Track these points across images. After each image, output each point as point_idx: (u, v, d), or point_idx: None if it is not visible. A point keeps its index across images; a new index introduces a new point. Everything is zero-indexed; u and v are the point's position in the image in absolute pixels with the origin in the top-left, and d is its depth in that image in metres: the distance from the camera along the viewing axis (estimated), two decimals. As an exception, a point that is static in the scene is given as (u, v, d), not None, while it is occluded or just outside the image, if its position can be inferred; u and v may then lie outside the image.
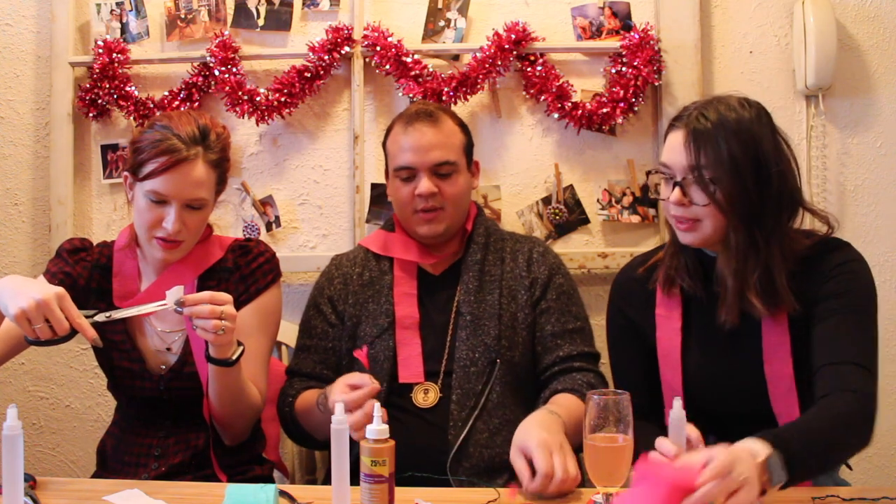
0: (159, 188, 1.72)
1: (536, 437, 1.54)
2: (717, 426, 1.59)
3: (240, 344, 1.70)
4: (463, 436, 1.79)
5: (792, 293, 1.61)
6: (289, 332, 2.12)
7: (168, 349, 1.83)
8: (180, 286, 1.63)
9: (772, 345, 1.64)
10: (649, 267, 1.80)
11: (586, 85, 2.45)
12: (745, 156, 1.58)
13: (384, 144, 2.05)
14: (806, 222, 1.74)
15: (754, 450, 1.30)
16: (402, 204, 1.97)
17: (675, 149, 1.63)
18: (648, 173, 1.73)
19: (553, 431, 1.59)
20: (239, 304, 1.84)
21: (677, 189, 1.62)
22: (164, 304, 1.62)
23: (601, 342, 2.02)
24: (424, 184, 1.92)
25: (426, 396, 1.86)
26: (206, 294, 1.61)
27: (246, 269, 1.88)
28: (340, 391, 1.63)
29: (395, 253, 1.99)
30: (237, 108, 2.42)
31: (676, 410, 1.44)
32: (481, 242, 1.99)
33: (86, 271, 1.86)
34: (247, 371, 1.77)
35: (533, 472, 1.50)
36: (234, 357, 1.68)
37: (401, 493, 1.44)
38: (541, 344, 1.93)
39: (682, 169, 1.62)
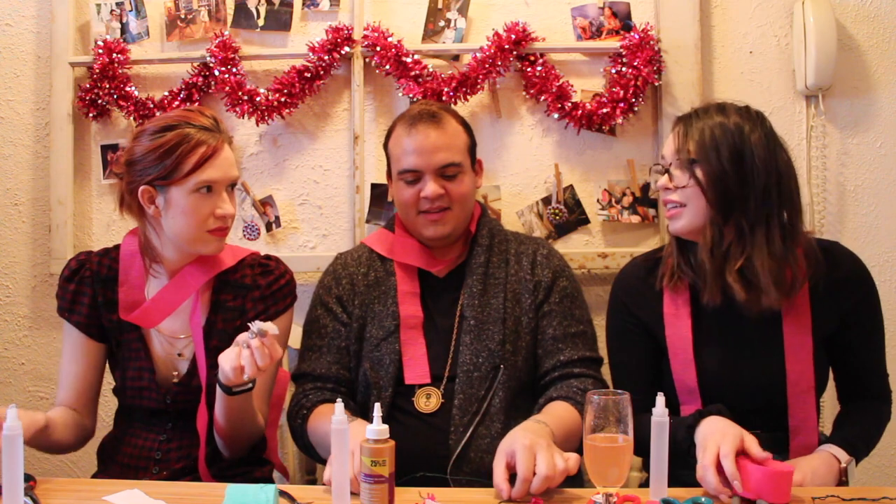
0: (209, 177, 1.74)
1: (521, 440, 1.51)
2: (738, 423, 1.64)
3: (252, 384, 1.70)
4: (464, 441, 1.78)
5: (788, 289, 1.69)
6: (292, 335, 2.11)
7: (179, 355, 1.83)
8: (273, 326, 1.61)
9: (794, 345, 1.72)
10: (652, 265, 1.84)
11: (586, 85, 2.46)
12: (726, 142, 1.68)
13: (386, 146, 2.03)
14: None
15: (837, 456, 1.63)
16: (407, 206, 1.95)
17: (669, 142, 1.77)
18: (651, 170, 1.82)
19: (540, 435, 1.55)
20: None
21: (665, 175, 1.75)
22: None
23: (603, 340, 2.02)
24: (431, 187, 1.90)
25: (427, 402, 1.85)
26: (279, 354, 1.64)
27: (267, 290, 1.88)
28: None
29: (400, 257, 1.98)
30: (237, 108, 2.42)
31: (659, 408, 1.46)
32: (485, 244, 1.98)
33: (90, 289, 1.86)
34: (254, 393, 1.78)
35: (513, 479, 1.46)
36: (235, 388, 1.68)
37: (401, 493, 1.44)
38: (542, 347, 1.91)
39: (670, 156, 1.75)
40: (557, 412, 1.76)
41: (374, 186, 2.46)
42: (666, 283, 1.79)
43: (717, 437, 1.50)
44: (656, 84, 2.40)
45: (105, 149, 2.53)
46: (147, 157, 1.75)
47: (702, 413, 1.60)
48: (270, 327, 1.60)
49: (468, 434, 1.79)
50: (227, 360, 1.61)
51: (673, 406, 1.75)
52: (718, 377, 1.74)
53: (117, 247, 1.90)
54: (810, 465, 1.62)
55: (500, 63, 2.38)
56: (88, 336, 1.86)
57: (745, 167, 1.67)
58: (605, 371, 1.95)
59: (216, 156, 1.75)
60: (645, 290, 1.82)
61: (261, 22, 2.50)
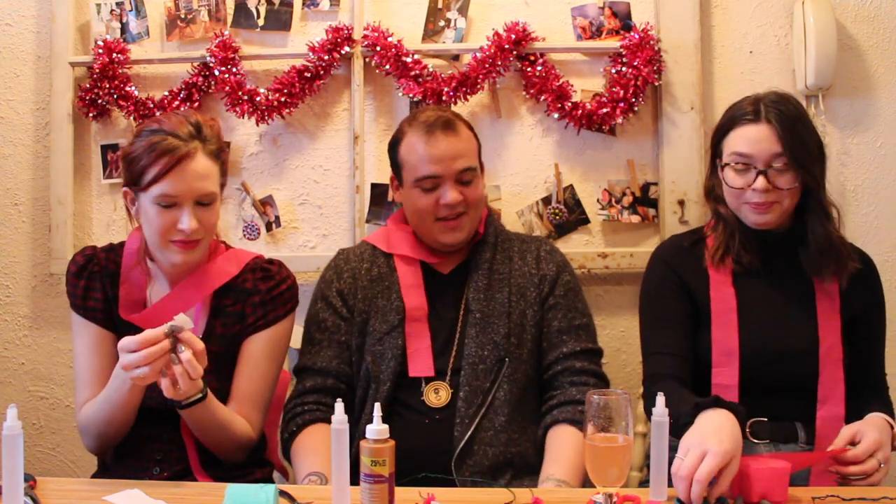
0: (168, 190, 1.68)
1: None
2: (764, 395, 1.72)
3: (202, 393, 1.65)
4: (469, 433, 1.79)
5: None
6: (293, 336, 2.10)
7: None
8: (188, 319, 1.57)
9: (826, 318, 1.81)
10: (694, 240, 1.93)
11: (586, 85, 2.45)
12: (808, 133, 1.81)
13: (394, 152, 2.00)
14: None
15: (889, 420, 1.71)
16: (423, 214, 1.93)
17: (757, 140, 1.79)
18: (723, 166, 1.85)
19: None
20: (254, 329, 1.84)
21: (761, 177, 1.78)
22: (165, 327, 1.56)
23: (603, 340, 2.03)
24: (451, 194, 1.90)
25: (438, 396, 1.86)
26: (201, 346, 1.57)
27: (266, 295, 1.85)
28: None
29: (401, 250, 1.98)
30: (237, 108, 2.42)
31: (659, 408, 1.46)
32: (491, 242, 1.99)
33: (100, 283, 1.84)
34: (244, 398, 1.76)
35: None
36: (183, 402, 1.63)
37: (401, 493, 1.44)
38: (546, 340, 1.93)
39: (767, 157, 1.78)
40: (570, 456, 1.75)
41: (374, 186, 2.46)
42: (714, 261, 1.85)
43: (712, 442, 1.41)
44: (656, 84, 2.40)
45: (105, 149, 2.53)
46: (127, 158, 1.74)
47: (718, 401, 1.54)
48: (184, 321, 1.55)
49: (473, 426, 1.79)
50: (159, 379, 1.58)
51: (704, 376, 1.80)
52: (756, 343, 1.79)
53: (122, 244, 1.89)
54: (867, 419, 1.69)
55: (500, 63, 2.38)
56: (106, 329, 1.82)
57: (820, 150, 1.84)
58: (612, 365, 1.96)
59: (179, 168, 1.68)
60: (690, 256, 1.90)
61: (261, 22, 2.50)
